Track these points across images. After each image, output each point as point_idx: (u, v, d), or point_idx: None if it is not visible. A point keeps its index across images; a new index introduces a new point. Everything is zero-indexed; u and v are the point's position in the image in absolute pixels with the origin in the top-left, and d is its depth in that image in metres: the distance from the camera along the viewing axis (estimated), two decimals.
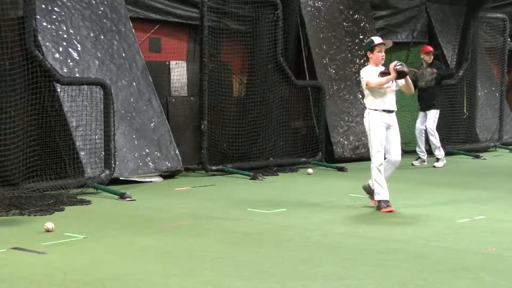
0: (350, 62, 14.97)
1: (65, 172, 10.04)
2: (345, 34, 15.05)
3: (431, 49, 13.79)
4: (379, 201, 8.55)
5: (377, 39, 8.71)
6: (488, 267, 5.82)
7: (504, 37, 17.54)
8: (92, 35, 11.25)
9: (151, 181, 11.09)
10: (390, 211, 8.41)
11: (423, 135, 13.66)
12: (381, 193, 8.53)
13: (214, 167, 12.19)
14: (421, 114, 13.67)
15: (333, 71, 14.62)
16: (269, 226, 7.65)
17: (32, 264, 5.94)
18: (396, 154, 8.64)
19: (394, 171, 8.79)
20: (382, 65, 8.68)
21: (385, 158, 8.69)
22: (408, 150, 15.41)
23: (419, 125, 13.65)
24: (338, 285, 5.30)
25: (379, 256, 6.20)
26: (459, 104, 16.17)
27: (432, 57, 13.58)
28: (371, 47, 8.63)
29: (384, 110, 8.55)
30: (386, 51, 17.21)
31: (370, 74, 8.54)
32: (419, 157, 13.73)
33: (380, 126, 8.53)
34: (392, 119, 8.62)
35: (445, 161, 13.47)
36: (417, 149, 13.76)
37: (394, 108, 8.66)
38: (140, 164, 11.10)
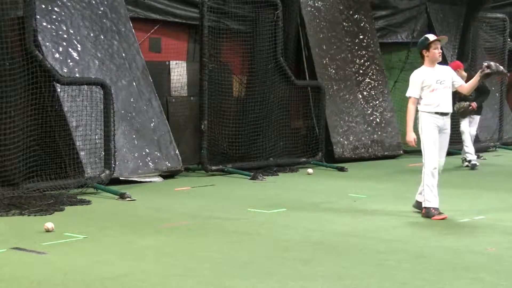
0: (350, 62, 14.97)
1: (65, 172, 10.04)
2: (345, 34, 15.04)
3: (460, 64, 13.40)
4: (428, 208, 8.07)
5: (431, 36, 8.34)
6: (488, 267, 5.82)
7: (504, 37, 17.55)
8: (92, 35, 11.24)
9: (151, 181, 11.08)
10: (443, 218, 7.95)
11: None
12: (432, 200, 8.05)
13: (214, 167, 12.18)
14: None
15: (333, 71, 14.62)
16: (269, 226, 7.65)
17: (32, 264, 5.94)
18: (442, 158, 8.29)
19: (439, 176, 8.22)
20: (438, 63, 8.30)
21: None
22: (408, 150, 15.43)
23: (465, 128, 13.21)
24: (338, 285, 5.30)
25: (379, 256, 6.20)
26: None
27: (463, 71, 13.03)
28: (427, 44, 8.23)
29: (436, 113, 8.13)
30: (386, 51, 17.30)
31: (415, 86, 8.17)
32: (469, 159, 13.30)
33: (433, 129, 8.11)
34: (446, 121, 8.18)
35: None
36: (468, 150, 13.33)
37: (449, 110, 8.18)
38: (140, 164, 11.10)
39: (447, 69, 8.39)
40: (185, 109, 13.09)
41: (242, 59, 13.38)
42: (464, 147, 13.33)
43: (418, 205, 8.36)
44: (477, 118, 13.48)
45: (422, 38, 8.46)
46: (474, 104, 12.68)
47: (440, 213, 8.06)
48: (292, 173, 12.59)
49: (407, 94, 8.28)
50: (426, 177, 8.11)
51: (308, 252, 6.38)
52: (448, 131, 8.26)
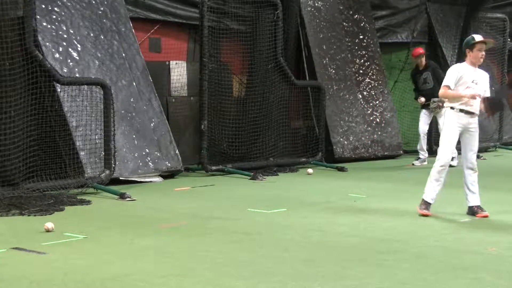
0: (350, 62, 14.97)
1: (65, 172, 10.03)
2: (345, 34, 15.05)
3: (422, 51, 13.76)
4: (422, 199, 8.22)
5: (478, 37, 8.17)
6: (488, 267, 5.82)
7: (504, 37, 17.57)
8: (92, 35, 11.24)
9: (151, 181, 11.08)
10: (426, 215, 8.10)
11: (426, 135, 13.60)
12: (428, 193, 8.19)
13: (214, 167, 12.18)
14: (424, 114, 13.54)
15: (333, 71, 14.62)
16: (269, 226, 7.65)
17: (32, 264, 5.94)
18: (472, 159, 8.14)
19: (472, 175, 8.15)
20: (479, 66, 8.18)
21: (450, 166, 8.33)
22: (409, 150, 15.45)
23: (423, 125, 13.55)
24: (338, 285, 5.30)
25: (379, 256, 6.20)
26: None
27: (424, 58, 13.55)
28: (471, 44, 8.07)
29: (461, 110, 8.03)
30: (386, 51, 17.26)
31: (452, 77, 8.05)
32: (419, 157, 13.72)
33: (454, 127, 8.05)
34: (471, 121, 8.05)
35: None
36: (419, 148, 13.75)
37: (475, 110, 8.04)
38: (140, 164, 11.10)
39: (485, 75, 8.26)
40: (185, 109, 13.09)
41: (242, 59, 13.39)
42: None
43: (470, 211, 8.26)
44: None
45: (469, 37, 8.32)
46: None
47: (426, 209, 8.18)
48: (292, 173, 12.59)
49: (444, 83, 8.13)
50: (433, 172, 8.18)
51: (308, 252, 6.38)
52: (475, 130, 8.13)
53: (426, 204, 8.21)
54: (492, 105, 8.09)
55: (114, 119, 10.26)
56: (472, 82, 8.08)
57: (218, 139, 12.56)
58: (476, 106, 8.07)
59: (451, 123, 8.09)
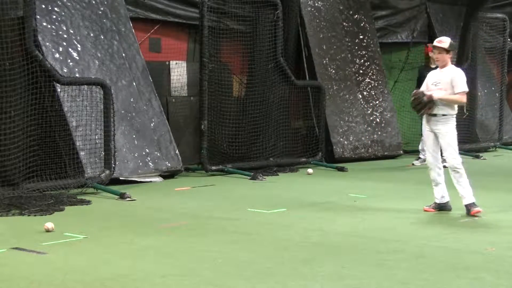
0: (350, 62, 14.97)
1: (65, 172, 10.04)
2: (345, 34, 15.05)
3: None
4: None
5: (434, 42, 8.60)
6: (488, 267, 5.83)
7: (504, 37, 17.55)
8: (92, 35, 11.24)
9: (151, 181, 11.08)
10: (427, 211, 8.48)
11: None
12: (434, 193, 8.53)
13: (214, 167, 12.18)
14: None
15: (333, 71, 14.62)
16: (269, 226, 7.65)
17: (32, 264, 5.94)
18: (448, 159, 8.28)
19: (455, 175, 8.26)
20: (440, 67, 8.44)
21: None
22: (409, 150, 15.45)
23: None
24: (338, 285, 5.30)
25: (379, 256, 6.20)
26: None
27: None
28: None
29: (426, 113, 8.43)
30: (386, 51, 17.24)
31: (424, 84, 8.59)
32: (419, 157, 13.73)
33: (425, 129, 8.49)
34: (433, 123, 8.32)
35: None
36: (420, 148, 13.72)
37: (439, 111, 8.27)
38: (140, 164, 11.10)
39: (451, 72, 8.39)
40: (185, 109, 13.09)
41: (242, 59, 13.38)
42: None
43: (466, 209, 8.30)
44: None
45: None
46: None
47: (429, 206, 8.57)
48: (292, 173, 12.59)
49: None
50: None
51: (308, 252, 6.38)
52: (443, 132, 8.27)
53: (433, 203, 8.56)
54: (416, 102, 8.35)
55: (114, 119, 10.26)
56: (432, 84, 8.43)
57: (218, 139, 12.55)
58: (441, 107, 8.27)
59: (424, 126, 8.56)
